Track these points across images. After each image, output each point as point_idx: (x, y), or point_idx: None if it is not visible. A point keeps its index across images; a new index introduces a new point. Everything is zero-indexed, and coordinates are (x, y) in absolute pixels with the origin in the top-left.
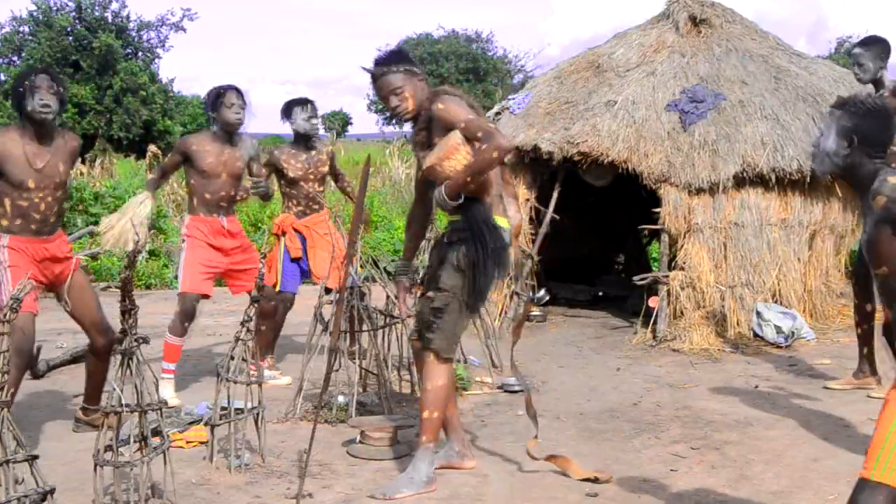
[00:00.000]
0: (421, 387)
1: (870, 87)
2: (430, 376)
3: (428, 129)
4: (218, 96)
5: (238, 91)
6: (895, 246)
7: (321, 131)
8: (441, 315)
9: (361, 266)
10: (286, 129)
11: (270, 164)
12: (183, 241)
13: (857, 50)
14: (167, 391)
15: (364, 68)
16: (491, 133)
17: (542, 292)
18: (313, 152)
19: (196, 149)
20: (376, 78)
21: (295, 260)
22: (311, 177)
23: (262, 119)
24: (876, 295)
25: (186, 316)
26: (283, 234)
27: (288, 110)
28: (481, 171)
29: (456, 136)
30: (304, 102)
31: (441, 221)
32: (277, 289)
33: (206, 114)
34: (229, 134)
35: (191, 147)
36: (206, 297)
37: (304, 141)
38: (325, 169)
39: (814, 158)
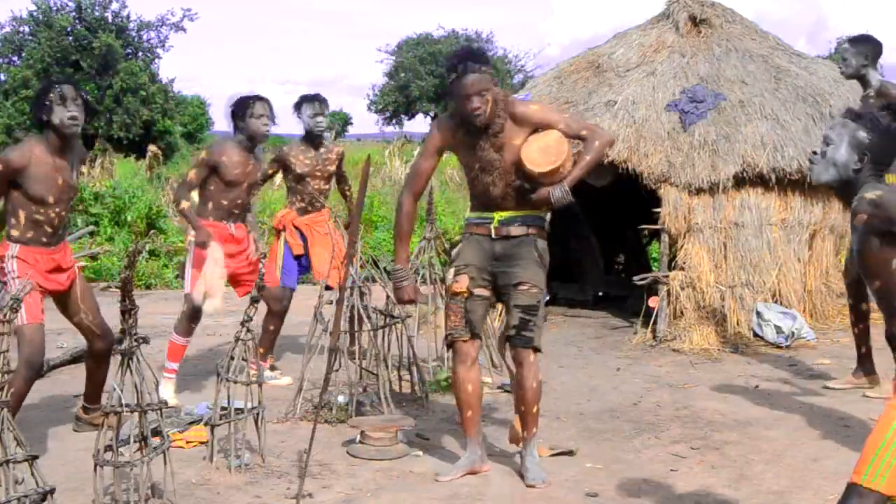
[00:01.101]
0: (522, 384)
1: (855, 83)
2: (535, 373)
3: (501, 131)
4: (246, 106)
5: (266, 102)
6: (882, 258)
7: (326, 129)
8: (536, 312)
9: (362, 266)
10: (287, 129)
11: (278, 160)
12: (190, 241)
13: (844, 45)
14: (167, 391)
15: (454, 60)
16: (594, 129)
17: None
18: (322, 150)
19: (225, 160)
20: (466, 74)
21: (297, 257)
22: (318, 174)
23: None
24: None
25: (193, 316)
26: (283, 229)
27: (298, 105)
28: (597, 164)
29: (563, 137)
30: (312, 99)
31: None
32: (279, 284)
33: (232, 122)
34: (253, 144)
35: (220, 159)
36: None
37: (311, 138)
38: (333, 168)
39: (814, 164)
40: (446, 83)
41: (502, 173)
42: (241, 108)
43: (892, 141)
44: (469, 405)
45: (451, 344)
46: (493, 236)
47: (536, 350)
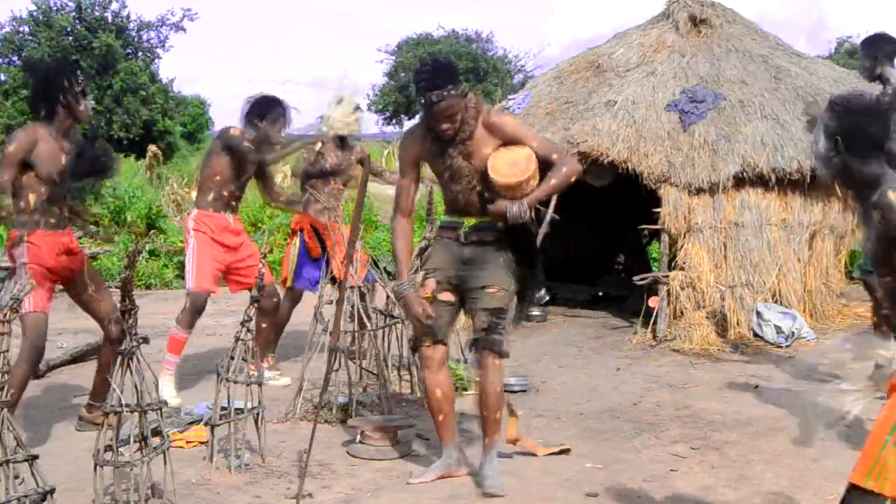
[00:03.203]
0: (485, 389)
1: (874, 85)
2: (497, 379)
3: (470, 139)
4: (274, 109)
5: (287, 110)
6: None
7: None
8: (504, 315)
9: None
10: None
11: (315, 159)
12: (188, 233)
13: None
14: (169, 388)
15: (422, 84)
16: (565, 155)
17: (542, 292)
18: (347, 151)
19: (244, 149)
20: (433, 103)
21: (315, 259)
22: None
23: None
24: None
25: (197, 311)
26: (301, 230)
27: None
28: (559, 190)
29: (532, 155)
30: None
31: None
32: (288, 284)
33: (253, 115)
34: (259, 146)
35: (242, 144)
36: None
37: (341, 139)
38: (353, 171)
39: (816, 163)
40: (414, 96)
41: (471, 181)
42: (269, 110)
43: (862, 119)
44: (440, 410)
45: (415, 349)
46: (463, 241)
47: (502, 355)
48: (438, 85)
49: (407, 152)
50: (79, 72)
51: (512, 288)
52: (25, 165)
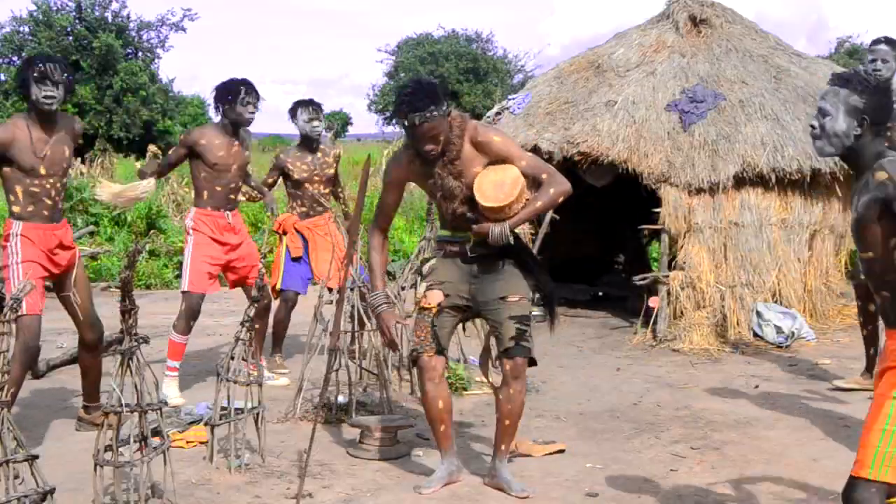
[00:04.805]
0: (513, 398)
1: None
2: (524, 387)
3: (457, 158)
4: (233, 92)
5: (253, 88)
6: (879, 230)
7: (323, 133)
8: (529, 322)
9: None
10: (287, 129)
11: (277, 167)
12: (188, 233)
13: (882, 46)
14: (172, 389)
15: (399, 112)
16: (554, 175)
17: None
18: (319, 154)
19: (205, 142)
20: (415, 125)
21: (297, 259)
22: (317, 178)
23: (264, 119)
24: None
25: (192, 314)
26: (285, 233)
27: (294, 111)
28: (545, 212)
29: (520, 177)
30: (307, 104)
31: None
32: (278, 287)
33: (216, 106)
34: (237, 128)
35: (199, 141)
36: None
37: (308, 142)
38: (332, 171)
39: (816, 140)
40: (398, 115)
41: (465, 199)
42: (229, 93)
43: (884, 98)
44: (441, 420)
45: (415, 359)
46: (470, 254)
47: (532, 362)
48: (420, 106)
49: (391, 175)
50: (44, 61)
51: (530, 295)
52: (7, 159)
